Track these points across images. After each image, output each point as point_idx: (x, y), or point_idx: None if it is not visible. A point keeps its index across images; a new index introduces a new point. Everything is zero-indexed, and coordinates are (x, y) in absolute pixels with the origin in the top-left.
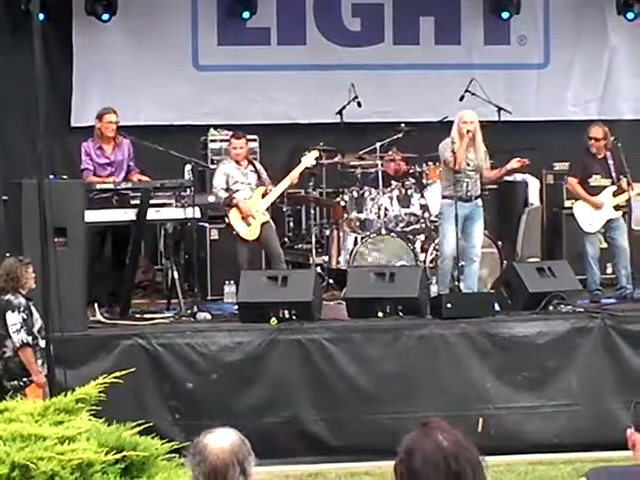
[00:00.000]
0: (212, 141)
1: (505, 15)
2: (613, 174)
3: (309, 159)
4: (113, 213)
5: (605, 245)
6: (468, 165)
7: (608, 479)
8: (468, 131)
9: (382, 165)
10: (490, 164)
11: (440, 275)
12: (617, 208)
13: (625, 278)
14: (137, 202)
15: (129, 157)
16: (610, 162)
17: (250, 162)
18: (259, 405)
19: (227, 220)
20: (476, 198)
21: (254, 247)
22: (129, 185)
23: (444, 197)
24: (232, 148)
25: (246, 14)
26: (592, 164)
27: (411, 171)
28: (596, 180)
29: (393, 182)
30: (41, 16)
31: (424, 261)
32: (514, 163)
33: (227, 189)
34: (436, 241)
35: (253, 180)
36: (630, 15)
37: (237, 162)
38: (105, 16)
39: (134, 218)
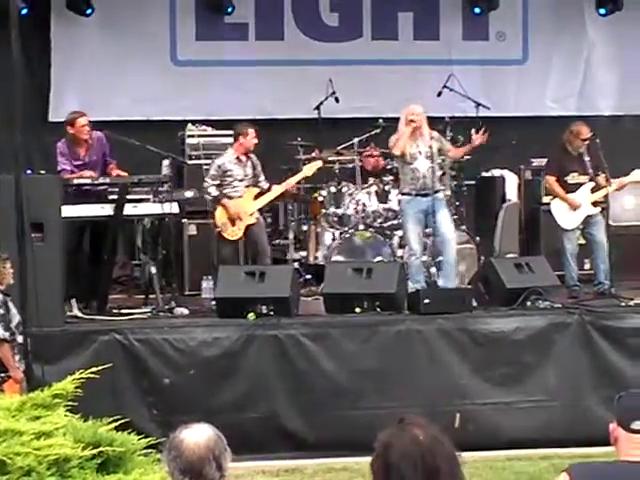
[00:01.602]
0: (190, 136)
1: (477, 10)
2: (590, 170)
3: (311, 169)
4: (90, 208)
5: (583, 241)
6: (419, 154)
7: (590, 474)
8: (412, 120)
9: (360, 161)
10: (456, 146)
11: (410, 272)
12: (595, 204)
13: (603, 273)
14: (114, 197)
15: (104, 153)
16: (586, 159)
17: (248, 157)
18: (236, 400)
19: (213, 216)
20: (435, 192)
21: (236, 244)
22: (106, 180)
23: (403, 194)
24: (250, 137)
25: (226, 9)
26: (569, 162)
27: (389, 167)
28: (574, 177)
29: (371, 178)
30: (24, 10)
31: (402, 257)
32: (476, 139)
33: (220, 184)
34: None
35: (249, 174)
36: (602, 10)
37: (238, 157)
38: (88, 10)
39: (111, 213)
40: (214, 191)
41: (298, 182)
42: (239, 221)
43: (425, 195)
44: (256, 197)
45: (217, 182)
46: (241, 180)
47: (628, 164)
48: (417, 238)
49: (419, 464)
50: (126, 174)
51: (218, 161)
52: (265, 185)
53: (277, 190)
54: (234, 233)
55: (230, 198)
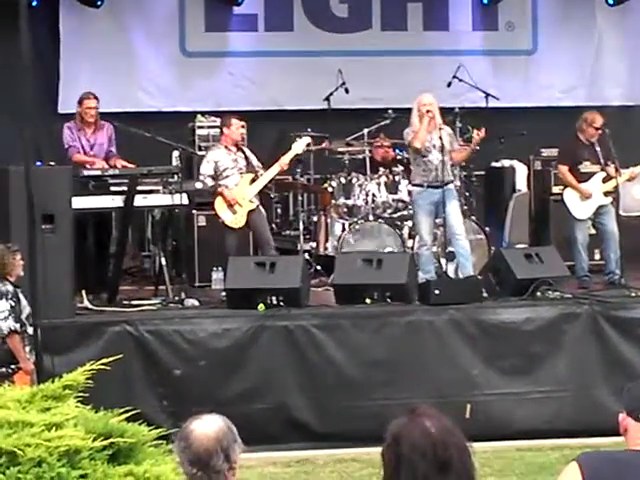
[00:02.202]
0: (199, 127)
1: (486, 0)
2: (601, 160)
3: (300, 145)
4: (100, 200)
5: (593, 231)
6: (433, 147)
7: (600, 464)
8: (428, 110)
9: (370, 151)
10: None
11: (420, 263)
12: (606, 194)
13: (614, 263)
14: (117, 189)
15: (110, 142)
16: (597, 148)
17: (239, 148)
18: (247, 391)
19: (214, 208)
20: (447, 184)
21: (243, 234)
22: (116, 172)
23: (414, 185)
24: (234, 128)
25: (235, 0)
26: (582, 151)
27: (399, 157)
28: (586, 166)
29: (381, 168)
30: (34, 2)
31: (412, 247)
32: (475, 137)
33: (215, 176)
34: None
35: (242, 165)
36: (611, 0)
37: (227, 147)
38: (98, 2)
39: (121, 205)
40: (210, 181)
41: (290, 160)
42: (239, 207)
43: (437, 187)
44: (252, 182)
45: (211, 173)
46: (233, 171)
47: (638, 154)
48: (428, 229)
49: (430, 455)
50: (131, 165)
51: (208, 156)
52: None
53: (272, 171)
54: (237, 221)
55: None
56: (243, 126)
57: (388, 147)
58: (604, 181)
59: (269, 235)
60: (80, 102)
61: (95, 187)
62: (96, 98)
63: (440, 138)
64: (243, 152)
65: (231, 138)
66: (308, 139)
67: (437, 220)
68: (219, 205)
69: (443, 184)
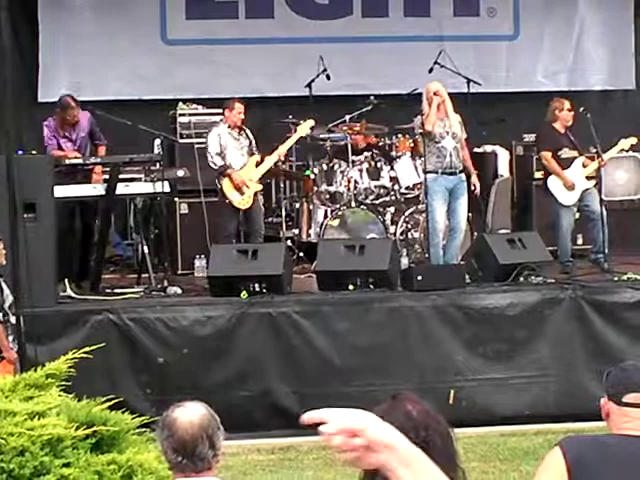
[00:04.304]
0: (181, 115)
1: None
2: (578, 146)
3: (304, 128)
4: (82, 188)
5: (577, 216)
6: (447, 134)
7: (583, 448)
8: (435, 93)
9: (352, 138)
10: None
11: (433, 254)
12: (589, 178)
13: (601, 244)
14: (104, 177)
15: (90, 132)
16: (570, 135)
17: (241, 129)
18: (230, 379)
19: (220, 188)
20: (460, 172)
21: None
22: (98, 160)
23: (428, 172)
24: (235, 112)
25: None
26: (559, 137)
27: (380, 144)
28: (566, 153)
29: (363, 155)
30: None
31: (394, 233)
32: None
33: (221, 153)
34: (406, 213)
35: (245, 145)
36: None
37: (230, 127)
38: None
39: (103, 193)
40: (219, 161)
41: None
42: (246, 189)
43: (451, 174)
44: (258, 164)
45: (219, 151)
46: (234, 150)
47: (618, 138)
48: (443, 216)
49: (412, 436)
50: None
51: (214, 132)
52: (258, 157)
53: (278, 152)
54: (244, 202)
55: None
56: (243, 110)
57: (370, 133)
58: (584, 165)
59: (262, 223)
60: (64, 109)
61: (73, 175)
62: (76, 102)
63: (452, 127)
64: (246, 133)
65: (231, 120)
66: (312, 122)
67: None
68: (227, 186)
69: (457, 171)
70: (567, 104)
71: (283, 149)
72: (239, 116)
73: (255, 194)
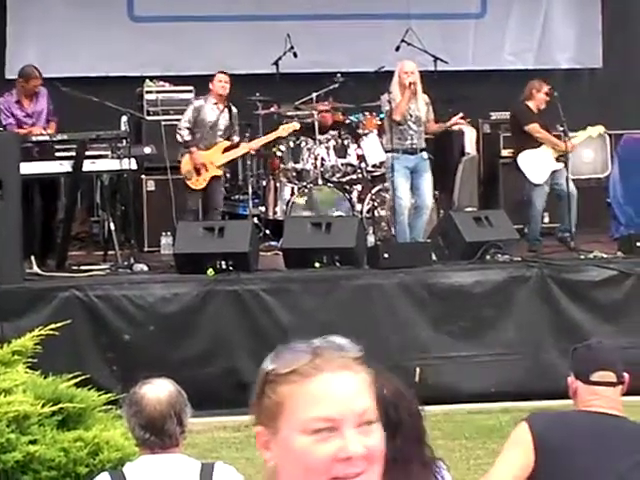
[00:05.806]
0: (148, 92)
1: None
2: (549, 127)
3: (286, 130)
4: (48, 165)
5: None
6: (410, 116)
7: (549, 423)
8: (410, 83)
9: (318, 115)
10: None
11: (399, 231)
12: (557, 160)
13: (570, 221)
14: (62, 154)
15: (48, 107)
16: (541, 116)
17: (227, 106)
18: (196, 356)
19: (179, 162)
20: (421, 151)
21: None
22: (65, 137)
23: (390, 151)
24: (216, 81)
25: None
26: (532, 116)
27: (347, 121)
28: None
29: (329, 132)
30: None
31: (361, 211)
32: (456, 120)
33: (192, 128)
34: (373, 191)
35: (223, 123)
36: None
37: (214, 103)
38: None
39: (70, 170)
40: (186, 135)
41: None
42: (205, 171)
43: (412, 153)
44: (224, 151)
45: (190, 126)
46: (213, 127)
47: (585, 117)
48: (407, 193)
49: (382, 417)
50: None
51: (196, 103)
52: (236, 139)
53: (246, 147)
54: (198, 183)
55: (198, 148)
56: (227, 82)
57: (337, 111)
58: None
59: (220, 201)
60: (26, 79)
61: (42, 152)
62: (39, 72)
63: (419, 111)
64: (230, 112)
65: (214, 92)
66: (297, 125)
67: None
68: (185, 163)
69: (418, 151)
70: (546, 88)
71: (256, 144)
72: (220, 85)
73: (212, 177)
